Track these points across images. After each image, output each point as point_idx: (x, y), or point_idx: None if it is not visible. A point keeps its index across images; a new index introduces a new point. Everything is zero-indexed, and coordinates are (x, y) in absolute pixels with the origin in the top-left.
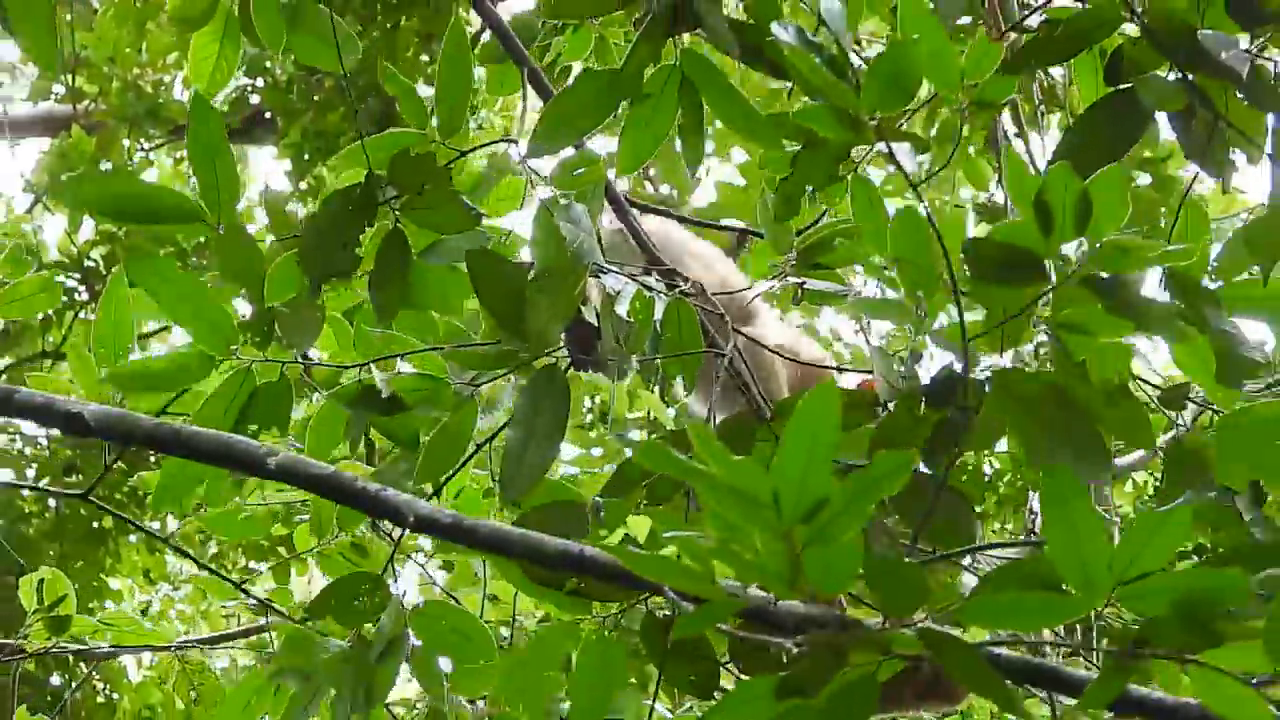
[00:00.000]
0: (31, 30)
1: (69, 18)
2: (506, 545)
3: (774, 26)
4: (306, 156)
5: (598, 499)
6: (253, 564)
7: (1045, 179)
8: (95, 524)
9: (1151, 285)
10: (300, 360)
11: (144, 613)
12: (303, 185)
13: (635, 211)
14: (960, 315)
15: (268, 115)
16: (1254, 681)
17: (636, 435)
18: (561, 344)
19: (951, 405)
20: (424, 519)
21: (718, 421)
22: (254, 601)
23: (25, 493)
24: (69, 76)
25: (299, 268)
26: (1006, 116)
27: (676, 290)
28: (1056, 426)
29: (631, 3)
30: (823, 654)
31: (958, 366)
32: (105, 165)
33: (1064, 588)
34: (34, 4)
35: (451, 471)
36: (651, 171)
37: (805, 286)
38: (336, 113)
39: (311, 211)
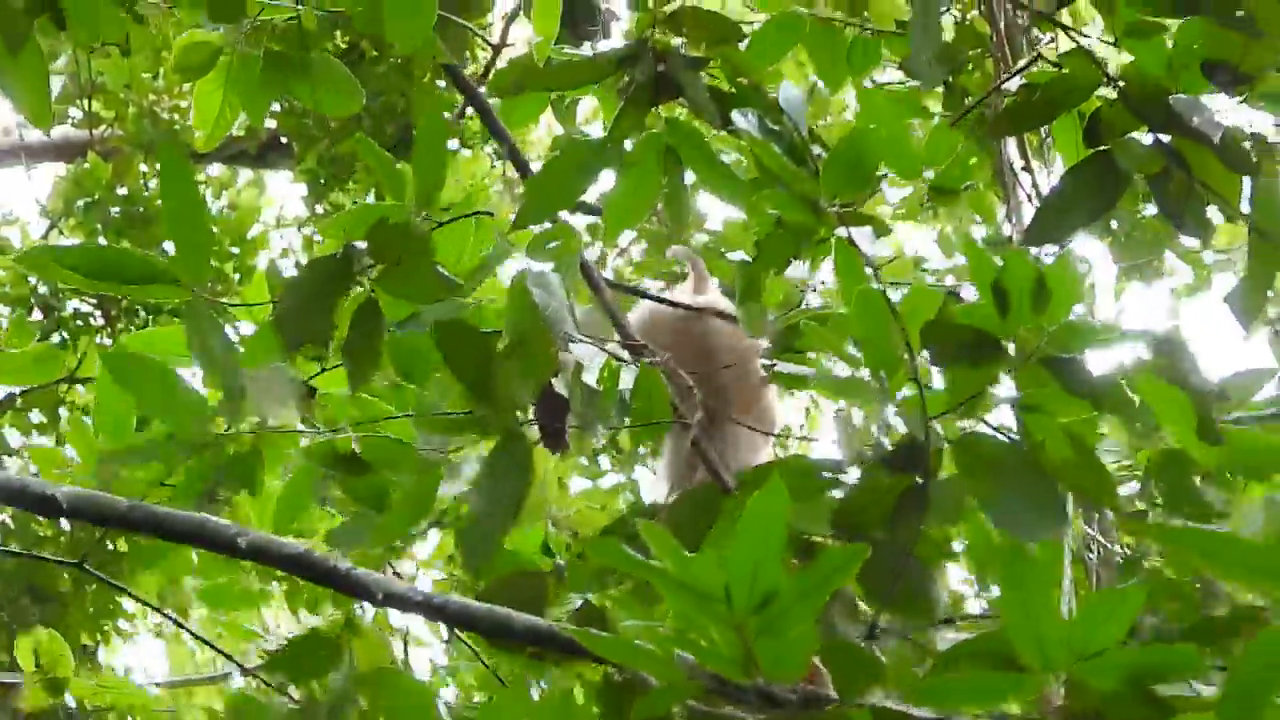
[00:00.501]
0: (24, 87)
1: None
2: (473, 622)
3: (735, 115)
4: (323, 181)
5: (560, 563)
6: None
7: (1003, 263)
8: (110, 545)
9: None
10: (269, 428)
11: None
12: (319, 209)
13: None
14: (920, 390)
15: (284, 140)
16: None
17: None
18: (533, 417)
19: (914, 473)
20: (394, 596)
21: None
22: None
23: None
24: (85, 101)
25: (275, 335)
26: (1013, 147)
27: (646, 361)
28: (1016, 486)
29: (615, 73)
30: None
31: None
32: (121, 191)
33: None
34: (26, 62)
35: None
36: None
37: (775, 369)
38: (353, 138)
39: (289, 279)
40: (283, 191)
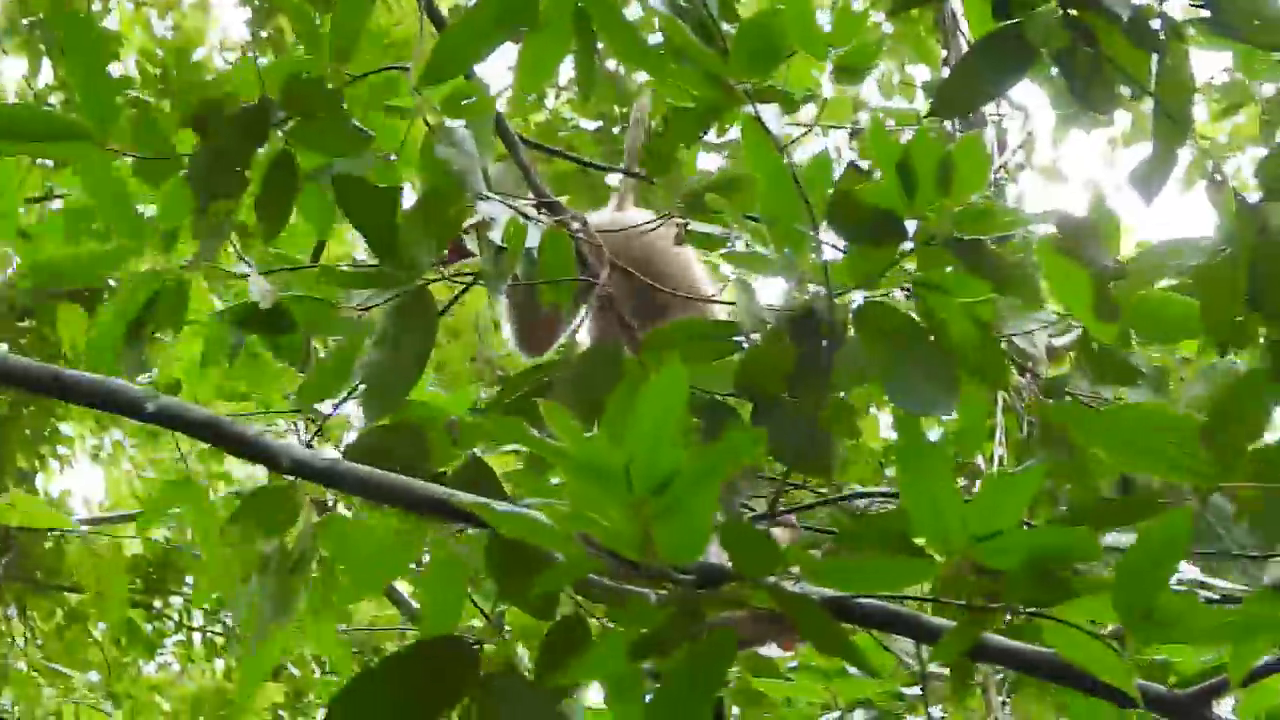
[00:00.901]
0: None
1: None
2: (374, 489)
3: None
4: (265, 4)
5: (453, 419)
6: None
7: (909, 143)
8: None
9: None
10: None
11: (95, 457)
12: (263, 34)
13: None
14: (824, 266)
15: None
16: (1104, 632)
17: None
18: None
19: (814, 338)
20: (299, 463)
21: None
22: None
23: None
24: None
25: (188, 189)
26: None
27: (556, 220)
28: (912, 358)
29: None
30: (679, 612)
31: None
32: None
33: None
34: None
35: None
36: None
37: (688, 228)
38: None
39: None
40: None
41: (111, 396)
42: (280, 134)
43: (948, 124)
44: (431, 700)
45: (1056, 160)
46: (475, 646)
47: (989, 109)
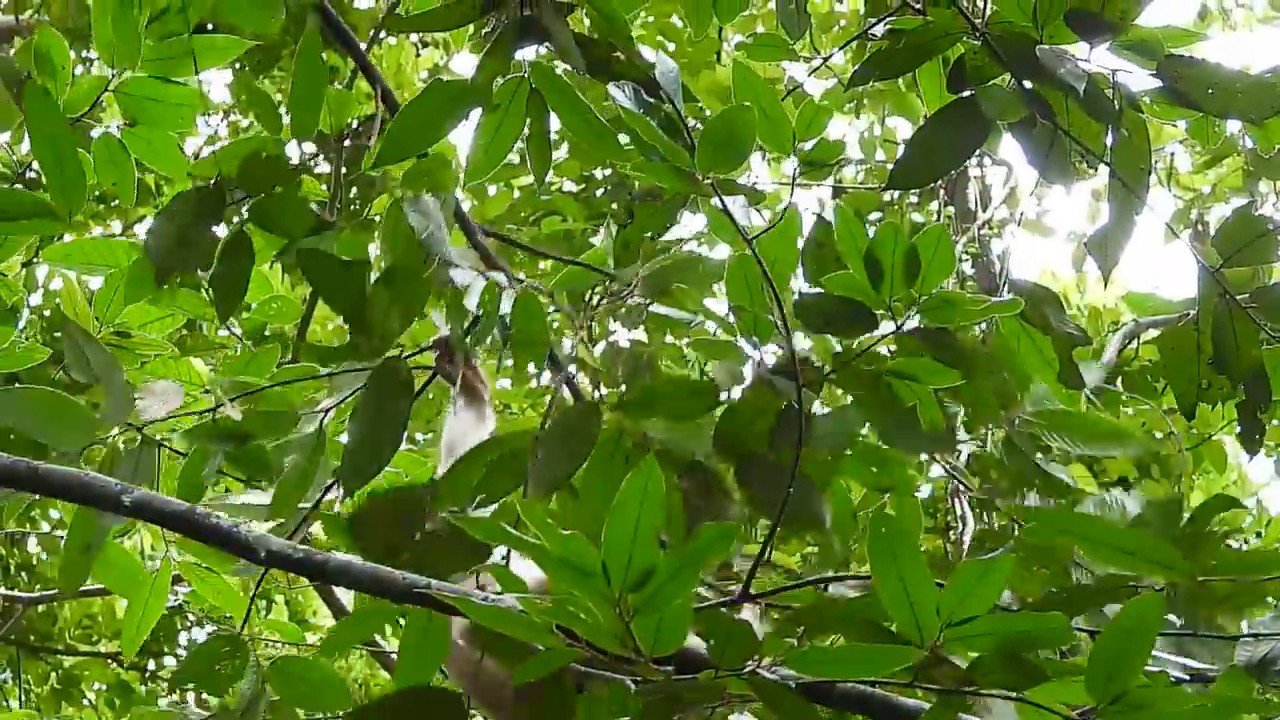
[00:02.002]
0: None
1: None
2: (353, 579)
3: (610, 88)
4: (247, 69)
5: (434, 480)
6: None
7: (875, 235)
8: None
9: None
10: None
11: None
12: (244, 98)
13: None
14: (793, 355)
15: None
16: (1077, 715)
17: None
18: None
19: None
20: (275, 554)
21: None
22: None
23: None
24: None
25: (147, 267)
26: None
27: (524, 284)
28: (899, 405)
29: (480, 17)
30: (658, 700)
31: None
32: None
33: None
34: None
35: (310, 508)
36: None
37: (650, 309)
38: (278, 25)
39: (161, 209)
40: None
41: (87, 490)
42: (240, 212)
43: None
44: None
45: (1042, 214)
46: (460, 696)
47: (973, 166)
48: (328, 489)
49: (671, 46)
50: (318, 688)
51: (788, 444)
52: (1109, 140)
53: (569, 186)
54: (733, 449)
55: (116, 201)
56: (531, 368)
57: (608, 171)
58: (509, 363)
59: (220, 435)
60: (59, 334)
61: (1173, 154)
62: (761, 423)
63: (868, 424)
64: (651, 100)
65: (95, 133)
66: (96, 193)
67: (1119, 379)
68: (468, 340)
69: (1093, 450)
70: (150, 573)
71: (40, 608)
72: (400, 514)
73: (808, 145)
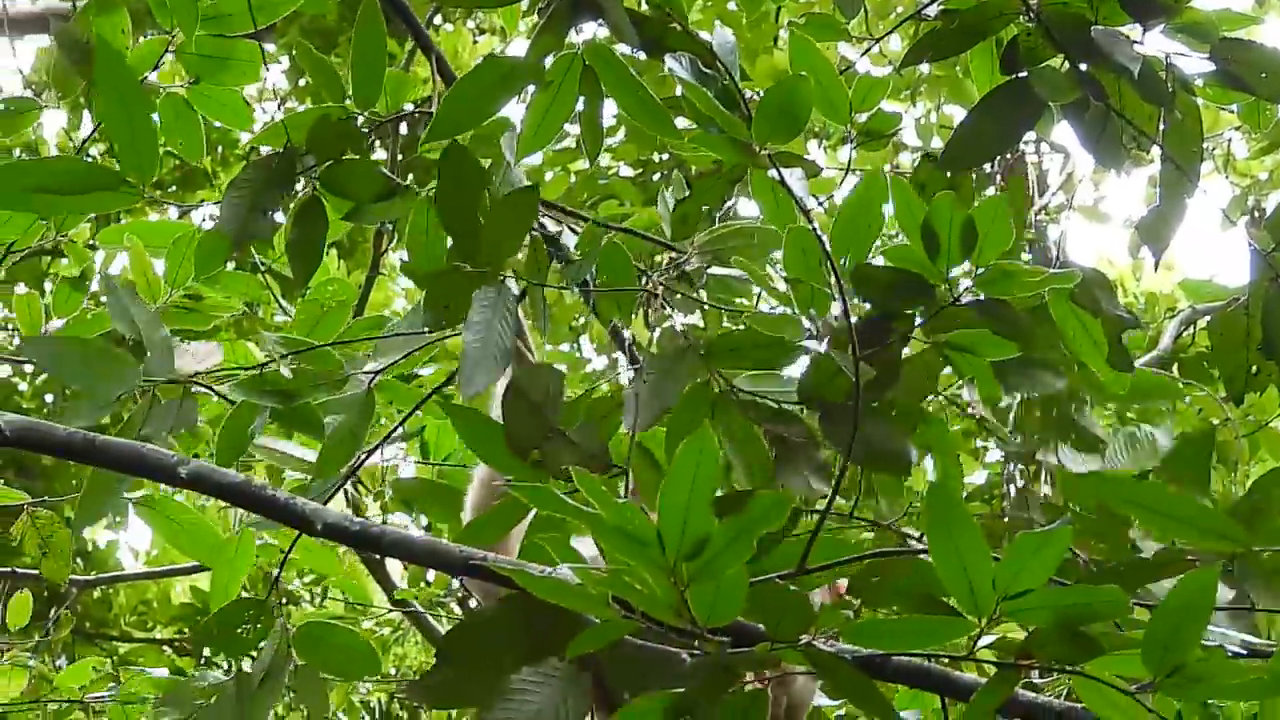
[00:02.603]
0: None
1: None
2: (410, 552)
3: (667, 60)
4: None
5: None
6: None
7: (931, 207)
8: None
9: None
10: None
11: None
12: (301, 83)
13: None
14: (851, 334)
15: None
16: (1134, 688)
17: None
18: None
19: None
20: (331, 527)
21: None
22: None
23: None
24: None
25: (220, 237)
26: None
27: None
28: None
29: None
30: (713, 672)
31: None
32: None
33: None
34: None
35: (355, 466)
36: None
37: (709, 273)
38: (334, 10)
39: (232, 179)
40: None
41: (143, 462)
42: (309, 179)
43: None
44: (551, 636)
45: (1098, 200)
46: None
47: (1030, 151)
48: (370, 452)
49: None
50: (344, 653)
51: (869, 391)
52: (1162, 124)
53: (626, 171)
54: (818, 398)
55: (174, 187)
56: (589, 349)
57: (665, 156)
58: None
59: (268, 391)
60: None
61: (1229, 140)
62: (843, 378)
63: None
64: (708, 72)
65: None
66: (155, 178)
67: (1175, 365)
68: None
69: (1133, 402)
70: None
71: (95, 594)
72: (542, 397)
73: (864, 118)
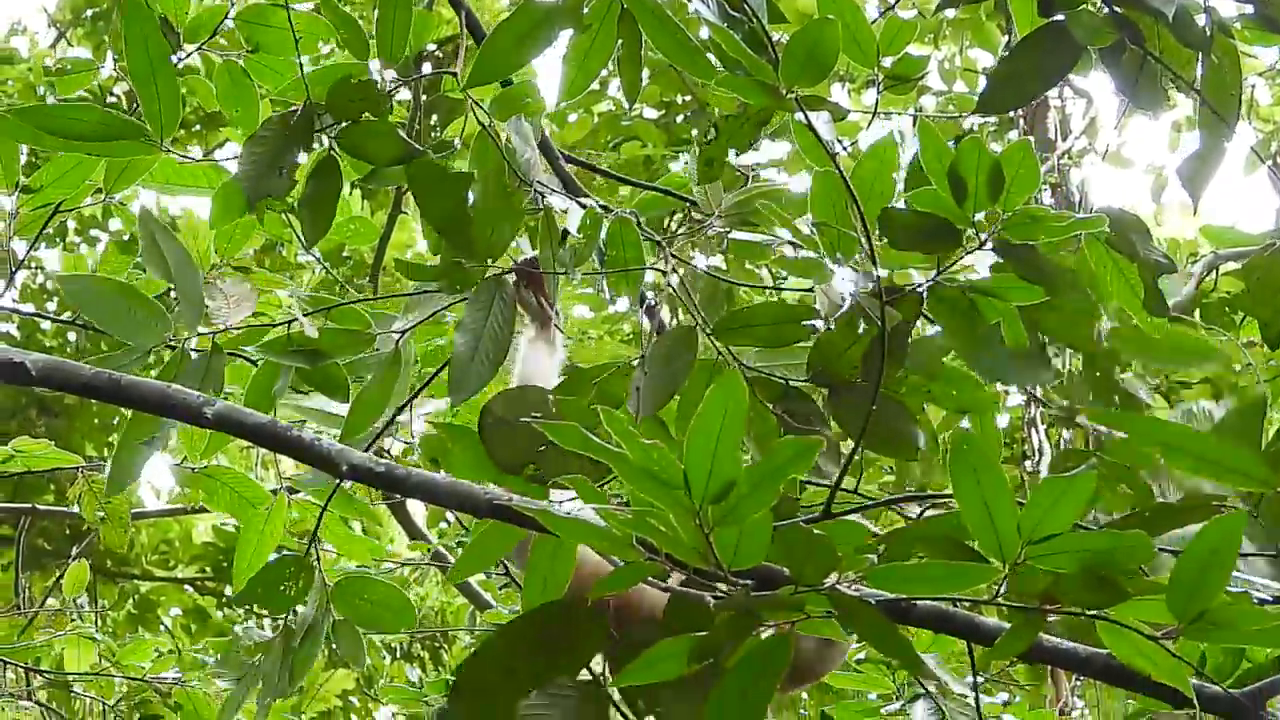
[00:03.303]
0: None
1: None
2: (435, 494)
3: (694, 2)
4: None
5: (551, 395)
6: None
7: (958, 151)
8: None
9: None
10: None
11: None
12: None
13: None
14: (877, 278)
15: None
16: (1159, 634)
17: None
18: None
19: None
20: (357, 468)
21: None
22: None
23: None
24: None
25: (236, 192)
26: None
27: (619, 212)
28: (992, 334)
29: None
30: (737, 615)
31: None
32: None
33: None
34: None
35: (383, 427)
36: None
37: (731, 237)
38: None
39: (251, 135)
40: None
41: (169, 403)
42: (327, 138)
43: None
44: (563, 656)
45: (1121, 145)
46: (604, 604)
47: (1053, 96)
48: (399, 410)
49: None
50: (382, 607)
51: (876, 368)
52: (1199, 68)
53: (649, 113)
54: (826, 376)
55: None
56: (608, 294)
57: (688, 97)
58: (602, 291)
59: (295, 351)
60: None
61: (1253, 86)
62: (855, 350)
63: (955, 350)
64: (735, 14)
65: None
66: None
67: (1197, 311)
68: (564, 263)
69: (1175, 365)
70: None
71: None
72: (524, 417)
73: (890, 61)
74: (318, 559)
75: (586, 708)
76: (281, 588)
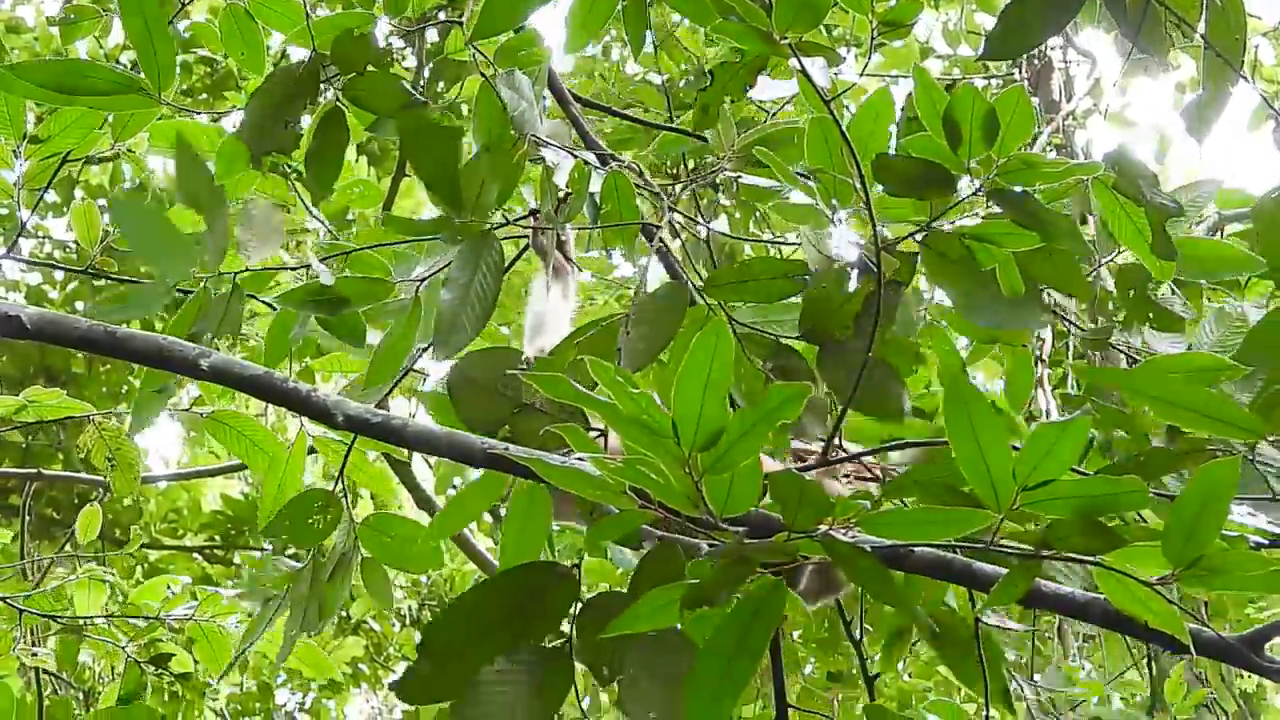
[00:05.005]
0: None
1: None
2: (433, 444)
3: None
4: None
5: (529, 357)
6: None
7: (953, 97)
8: None
9: None
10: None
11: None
12: None
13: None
14: (873, 223)
15: None
16: (1154, 580)
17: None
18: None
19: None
20: (353, 419)
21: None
22: None
23: None
24: None
25: (240, 144)
26: None
27: (614, 164)
28: (985, 280)
29: None
30: (730, 562)
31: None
32: None
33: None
34: None
35: (403, 372)
36: None
37: (740, 181)
38: None
39: (256, 89)
40: None
41: (165, 355)
42: (332, 90)
43: (1017, 73)
44: (532, 619)
45: (1124, 106)
46: (573, 568)
47: (1057, 57)
48: (417, 358)
49: None
50: (409, 546)
51: (867, 327)
52: (1203, 12)
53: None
54: (817, 333)
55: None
56: (618, 255)
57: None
58: (595, 252)
59: (313, 300)
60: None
61: (1257, 46)
62: (848, 307)
63: (949, 298)
64: None
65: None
66: (184, 85)
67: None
68: (558, 217)
69: (1212, 277)
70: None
71: (126, 501)
72: (497, 379)
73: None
74: (345, 493)
75: (551, 672)
76: (310, 520)
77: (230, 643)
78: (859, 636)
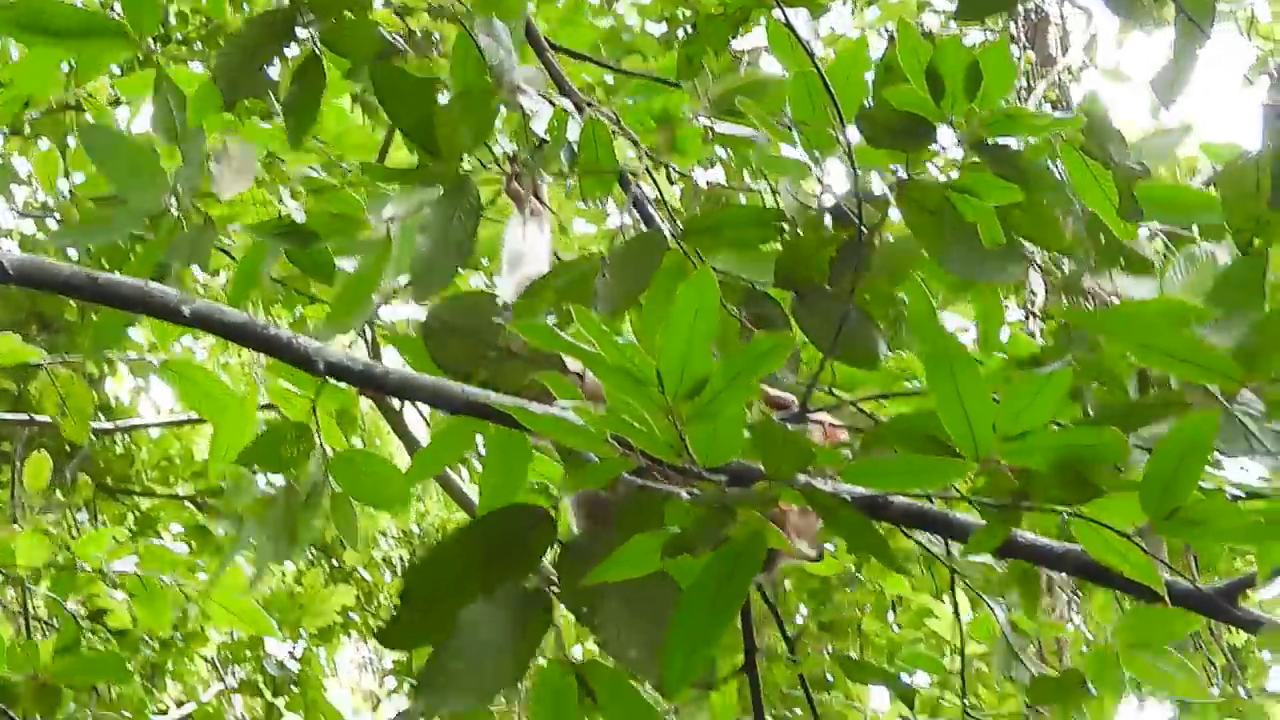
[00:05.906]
0: None
1: None
2: (415, 391)
3: None
4: None
5: (508, 301)
6: None
7: (936, 49)
8: None
9: None
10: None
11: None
12: None
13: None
14: (854, 172)
15: None
16: (1132, 530)
17: None
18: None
19: (851, 227)
20: (334, 365)
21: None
22: None
23: None
24: None
25: (214, 89)
26: None
27: (592, 108)
28: (962, 230)
29: None
30: (711, 511)
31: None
32: None
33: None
34: None
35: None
36: None
37: (715, 129)
38: None
39: (231, 34)
40: None
41: (148, 301)
42: (311, 37)
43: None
44: (512, 562)
45: (1120, 62)
46: (551, 510)
47: (1054, 12)
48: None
49: None
50: (380, 482)
51: (844, 276)
52: None
53: (652, 29)
54: (793, 280)
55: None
56: (612, 205)
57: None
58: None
59: (284, 233)
60: None
61: (1253, 5)
62: (824, 254)
63: (926, 249)
64: None
65: None
66: (178, 35)
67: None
68: (534, 164)
69: (1176, 221)
70: (238, 396)
71: (118, 449)
72: (473, 324)
73: None
74: (317, 426)
75: (531, 613)
76: (282, 450)
77: (170, 597)
78: None
